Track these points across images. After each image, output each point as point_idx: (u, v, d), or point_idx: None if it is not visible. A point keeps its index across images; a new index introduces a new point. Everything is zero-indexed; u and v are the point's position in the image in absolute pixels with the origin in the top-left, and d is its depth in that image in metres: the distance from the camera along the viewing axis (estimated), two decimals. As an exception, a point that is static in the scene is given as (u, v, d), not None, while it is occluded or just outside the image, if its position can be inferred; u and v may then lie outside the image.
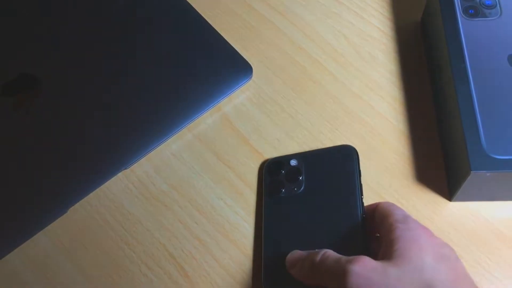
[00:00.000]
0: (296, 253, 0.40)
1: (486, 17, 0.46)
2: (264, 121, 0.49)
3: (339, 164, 0.44)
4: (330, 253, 0.37)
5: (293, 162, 0.45)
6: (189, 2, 0.54)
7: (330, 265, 0.36)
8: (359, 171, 0.43)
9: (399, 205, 0.43)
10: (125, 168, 0.46)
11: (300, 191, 0.44)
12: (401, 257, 0.34)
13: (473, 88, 0.42)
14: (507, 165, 0.39)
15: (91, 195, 0.46)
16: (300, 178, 0.44)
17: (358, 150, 0.44)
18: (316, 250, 0.38)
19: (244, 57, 0.50)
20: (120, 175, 0.47)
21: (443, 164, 0.46)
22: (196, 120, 0.48)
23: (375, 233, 0.40)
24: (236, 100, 0.50)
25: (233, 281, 0.42)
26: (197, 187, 0.46)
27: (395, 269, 0.34)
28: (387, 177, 0.46)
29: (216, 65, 0.50)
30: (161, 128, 0.47)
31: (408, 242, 0.35)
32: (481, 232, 0.43)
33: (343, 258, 0.36)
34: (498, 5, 0.46)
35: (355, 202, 0.41)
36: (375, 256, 0.35)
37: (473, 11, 0.46)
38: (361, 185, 0.42)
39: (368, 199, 0.44)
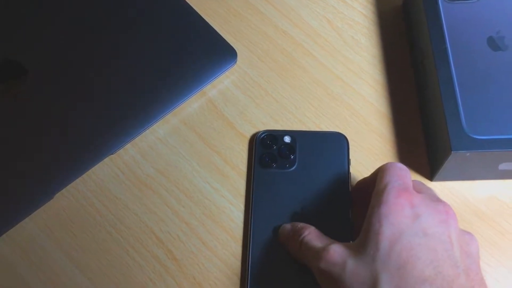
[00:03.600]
0: (284, 230, 0.41)
1: (466, 0, 0.46)
2: (249, 105, 0.50)
3: (331, 150, 0.45)
4: (309, 238, 0.38)
5: (287, 139, 0.46)
6: (173, -13, 0.53)
7: (306, 255, 0.38)
8: (349, 160, 0.45)
9: None
10: (112, 153, 0.46)
11: (292, 169, 0.44)
12: (360, 243, 0.34)
13: (453, 70, 0.43)
14: (486, 145, 0.40)
15: (78, 180, 0.46)
16: (293, 156, 0.45)
17: (341, 132, 0.46)
18: (300, 226, 0.39)
19: (229, 42, 0.51)
20: (106, 160, 0.47)
21: (424, 146, 0.47)
22: (181, 105, 0.49)
23: None
24: (221, 85, 0.51)
25: (220, 263, 0.43)
26: (183, 171, 0.47)
27: (352, 259, 0.34)
28: (370, 158, 0.47)
29: (201, 51, 0.50)
30: (146, 113, 0.47)
31: (370, 224, 0.34)
32: (461, 211, 0.44)
33: (316, 249, 0.37)
34: (477, -11, 0.47)
35: (344, 190, 0.43)
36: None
37: (453, -6, 0.47)
38: (350, 173, 0.44)
39: (353, 181, 0.45)
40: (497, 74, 0.43)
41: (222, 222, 0.44)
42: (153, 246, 0.44)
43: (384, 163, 0.45)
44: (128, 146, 0.47)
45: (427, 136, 0.46)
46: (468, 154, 0.40)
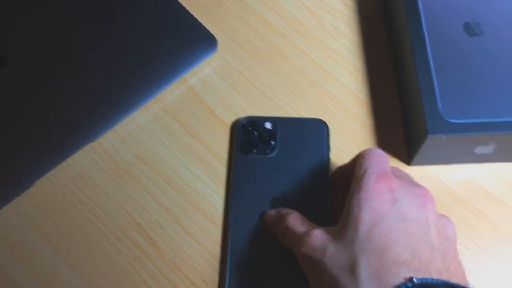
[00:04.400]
0: (269, 216, 0.41)
1: (443, -13, 0.47)
2: (230, 93, 0.50)
3: (311, 136, 0.45)
4: (293, 223, 0.38)
5: (268, 125, 0.46)
6: (153, -25, 0.53)
7: (290, 240, 0.38)
8: (329, 146, 0.45)
9: None
10: (92, 141, 0.46)
11: (272, 155, 0.45)
12: (341, 228, 0.35)
13: (430, 55, 0.43)
14: (462, 129, 0.40)
15: (58, 168, 0.45)
16: (274, 142, 0.45)
17: (321, 118, 0.46)
18: (285, 211, 0.40)
19: (210, 30, 0.51)
20: (86, 148, 0.47)
21: (402, 131, 0.47)
22: (162, 93, 0.49)
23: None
24: (202, 73, 0.51)
25: (201, 248, 0.43)
26: (164, 159, 0.47)
27: (332, 244, 0.34)
28: (349, 144, 0.47)
29: (181, 39, 0.50)
30: (127, 101, 0.47)
31: (350, 208, 0.34)
32: (438, 195, 0.45)
33: (298, 234, 0.37)
34: (454, -25, 0.47)
35: (324, 176, 0.43)
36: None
37: (430, -19, 0.47)
38: (330, 160, 0.44)
39: (333, 167, 0.45)
40: (473, 59, 0.43)
41: (202, 208, 0.45)
42: (134, 232, 0.44)
43: (363, 149, 0.46)
44: (109, 133, 0.47)
45: (405, 122, 0.47)
46: (444, 137, 0.40)
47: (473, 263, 0.42)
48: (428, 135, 0.40)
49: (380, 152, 0.38)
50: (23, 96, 0.47)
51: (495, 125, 0.40)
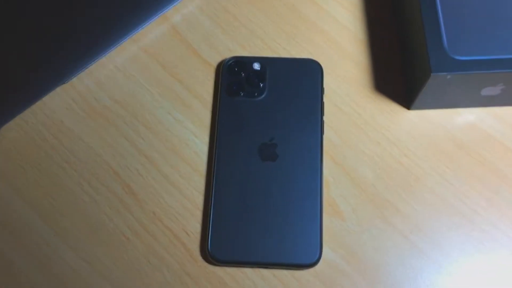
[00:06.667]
0: None
1: None
2: (215, 31, 0.46)
3: (303, 78, 0.43)
4: None
5: (256, 66, 0.43)
6: None
7: None
8: (323, 88, 0.42)
9: (356, 115, 0.42)
10: (64, 82, 0.43)
11: (261, 97, 0.42)
12: None
13: (435, -14, 0.39)
14: (469, 67, 0.37)
15: (27, 112, 0.42)
16: (262, 84, 0.42)
17: (314, 59, 0.43)
18: None
19: (192, -39, 0.46)
20: (58, 90, 0.43)
21: (401, 72, 0.44)
22: (141, 31, 0.45)
23: None
24: (185, 10, 0.47)
25: (182, 197, 0.40)
26: (143, 102, 0.43)
27: None
28: (344, 86, 0.44)
29: (161, -29, 0.46)
30: (102, 38, 0.43)
31: None
32: (439, 140, 0.41)
33: None
34: None
35: (316, 121, 0.41)
36: None
37: None
38: (323, 103, 0.41)
39: (326, 111, 0.42)
40: (483, -9, 0.39)
41: (184, 154, 0.41)
42: (110, 180, 0.41)
43: (358, 90, 0.43)
44: (83, 74, 0.44)
45: (405, 61, 0.43)
46: (449, 76, 0.37)
47: (474, 212, 0.40)
48: (432, 74, 0.36)
49: None
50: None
51: (506, 62, 0.36)
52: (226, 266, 0.38)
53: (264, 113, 0.41)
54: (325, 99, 0.42)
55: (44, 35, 0.41)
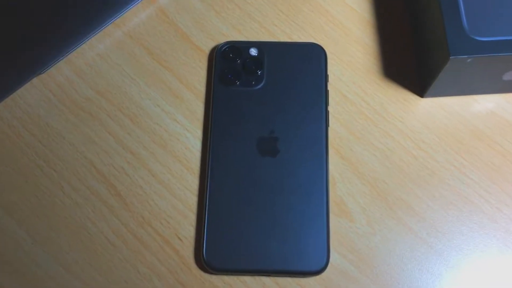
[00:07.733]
0: None
1: None
2: (207, 14, 0.43)
3: (305, 64, 0.40)
4: None
5: (253, 52, 0.40)
6: None
7: None
8: (327, 75, 0.39)
9: (364, 104, 0.40)
10: (40, 73, 0.40)
11: (258, 86, 0.39)
12: None
13: (452, -42, 0.35)
14: (492, 48, 0.33)
15: (0, 106, 0.39)
16: (260, 71, 0.40)
17: (317, 43, 0.40)
18: None
19: None
20: (34, 81, 0.40)
21: (413, 57, 0.40)
22: (125, 14, 0.42)
23: None
24: (174, -10, 0.43)
25: (174, 199, 0.37)
26: (129, 93, 0.40)
27: None
28: (350, 73, 0.41)
29: None
30: (83, 23, 0.40)
31: None
32: (456, 130, 0.38)
33: None
34: None
35: (320, 112, 0.39)
36: None
37: None
38: (327, 92, 0.39)
39: (330, 100, 0.39)
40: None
41: (175, 151, 0.39)
42: (93, 180, 0.38)
43: (366, 77, 0.40)
44: (61, 63, 0.41)
45: (418, 44, 0.40)
46: (469, 59, 0.33)
47: (498, 210, 0.36)
48: (450, 57, 0.33)
49: None
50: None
51: (533, 42, 0.33)
52: (223, 274, 0.35)
53: (263, 104, 0.39)
54: (329, 87, 0.40)
55: (15, 18, 0.38)
